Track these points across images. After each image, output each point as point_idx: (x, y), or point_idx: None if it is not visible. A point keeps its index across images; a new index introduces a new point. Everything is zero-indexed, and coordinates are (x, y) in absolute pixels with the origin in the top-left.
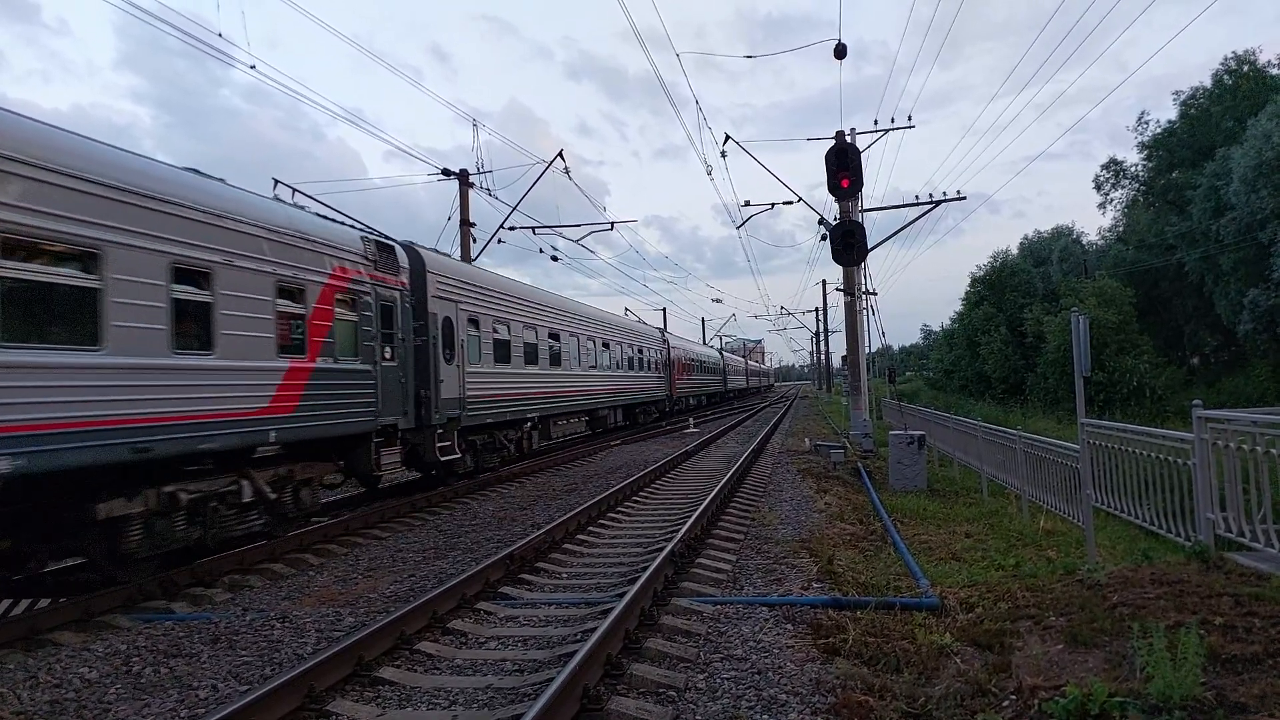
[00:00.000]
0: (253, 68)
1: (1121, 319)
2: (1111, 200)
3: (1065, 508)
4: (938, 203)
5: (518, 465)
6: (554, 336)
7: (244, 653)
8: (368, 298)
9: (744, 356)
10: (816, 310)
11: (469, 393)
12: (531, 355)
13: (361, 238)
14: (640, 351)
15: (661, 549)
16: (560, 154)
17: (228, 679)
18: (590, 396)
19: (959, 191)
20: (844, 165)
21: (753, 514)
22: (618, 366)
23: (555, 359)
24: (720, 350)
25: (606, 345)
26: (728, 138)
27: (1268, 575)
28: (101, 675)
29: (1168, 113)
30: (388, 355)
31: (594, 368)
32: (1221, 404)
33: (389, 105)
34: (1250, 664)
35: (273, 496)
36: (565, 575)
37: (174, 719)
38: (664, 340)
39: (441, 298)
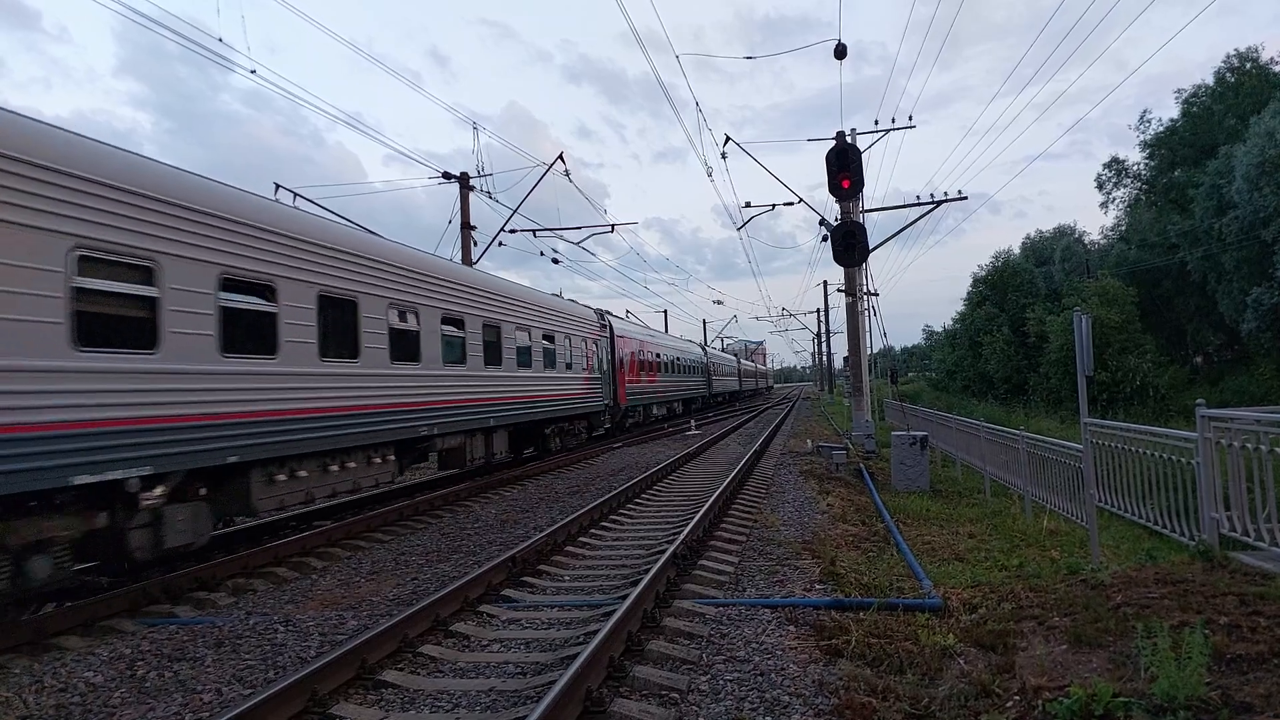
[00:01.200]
0: (253, 72)
1: (1124, 318)
2: (1114, 199)
3: (1068, 508)
4: (939, 203)
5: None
6: (260, 291)
7: (247, 656)
8: None
9: (736, 355)
10: (818, 311)
11: None
12: (140, 328)
13: None
14: (551, 340)
15: (664, 551)
16: (560, 157)
17: (231, 683)
18: (412, 413)
19: (960, 191)
20: (844, 166)
21: (755, 515)
22: (490, 360)
23: (262, 340)
24: (704, 345)
25: (458, 323)
26: (728, 139)
27: (1273, 574)
28: (106, 679)
29: (1168, 111)
30: None
31: (417, 361)
32: (1225, 403)
33: (388, 109)
34: (1255, 664)
35: None
36: (568, 578)
37: None
38: (603, 325)
39: None
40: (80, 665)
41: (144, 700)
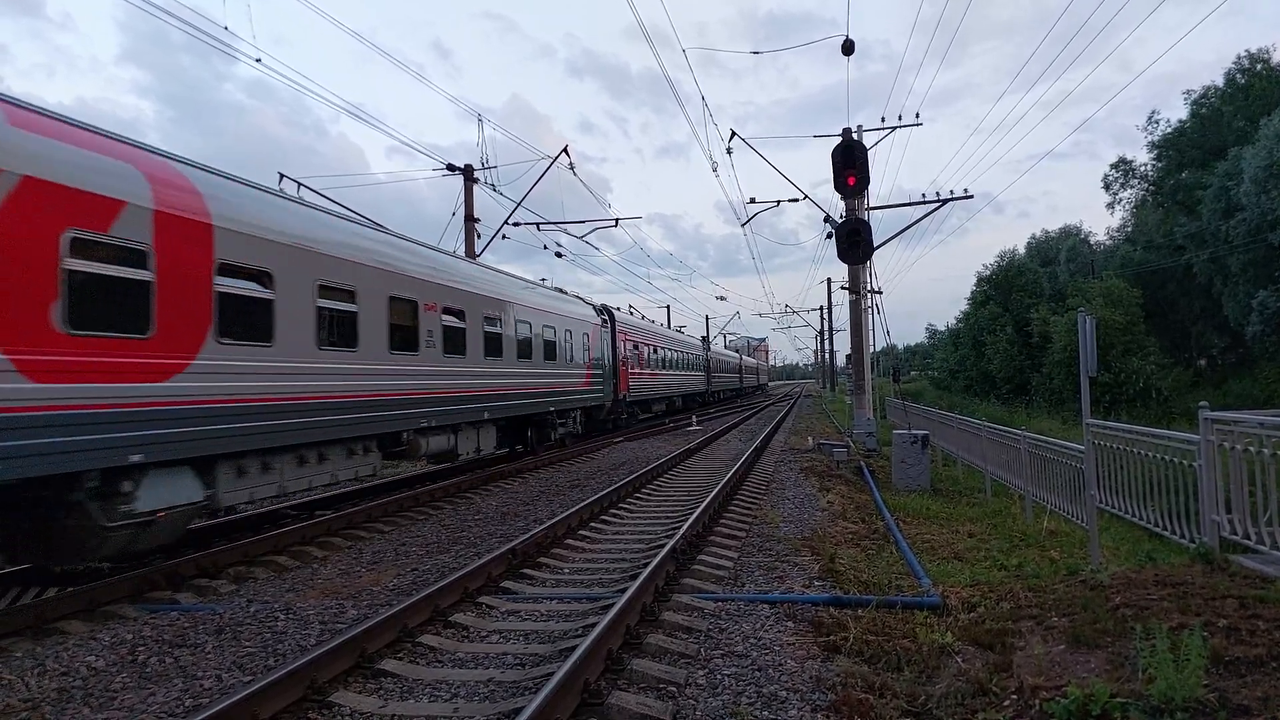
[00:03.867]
0: (258, 60)
1: (1128, 320)
2: (1120, 200)
3: (1069, 508)
4: (944, 201)
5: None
6: None
7: (248, 644)
8: None
9: (704, 340)
10: (821, 308)
11: None
12: None
13: None
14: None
15: (664, 545)
16: (565, 150)
17: (231, 669)
18: None
19: (965, 190)
20: (850, 163)
21: (755, 511)
22: None
23: None
24: (638, 314)
25: None
26: (733, 134)
27: (1272, 578)
28: (108, 664)
29: (1176, 113)
30: None
31: None
32: (1229, 406)
33: (392, 101)
34: (1253, 666)
35: None
36: (567, 570)
37: (178, 708)
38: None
39: None
40: (82, 649)
41: (145, 685)
